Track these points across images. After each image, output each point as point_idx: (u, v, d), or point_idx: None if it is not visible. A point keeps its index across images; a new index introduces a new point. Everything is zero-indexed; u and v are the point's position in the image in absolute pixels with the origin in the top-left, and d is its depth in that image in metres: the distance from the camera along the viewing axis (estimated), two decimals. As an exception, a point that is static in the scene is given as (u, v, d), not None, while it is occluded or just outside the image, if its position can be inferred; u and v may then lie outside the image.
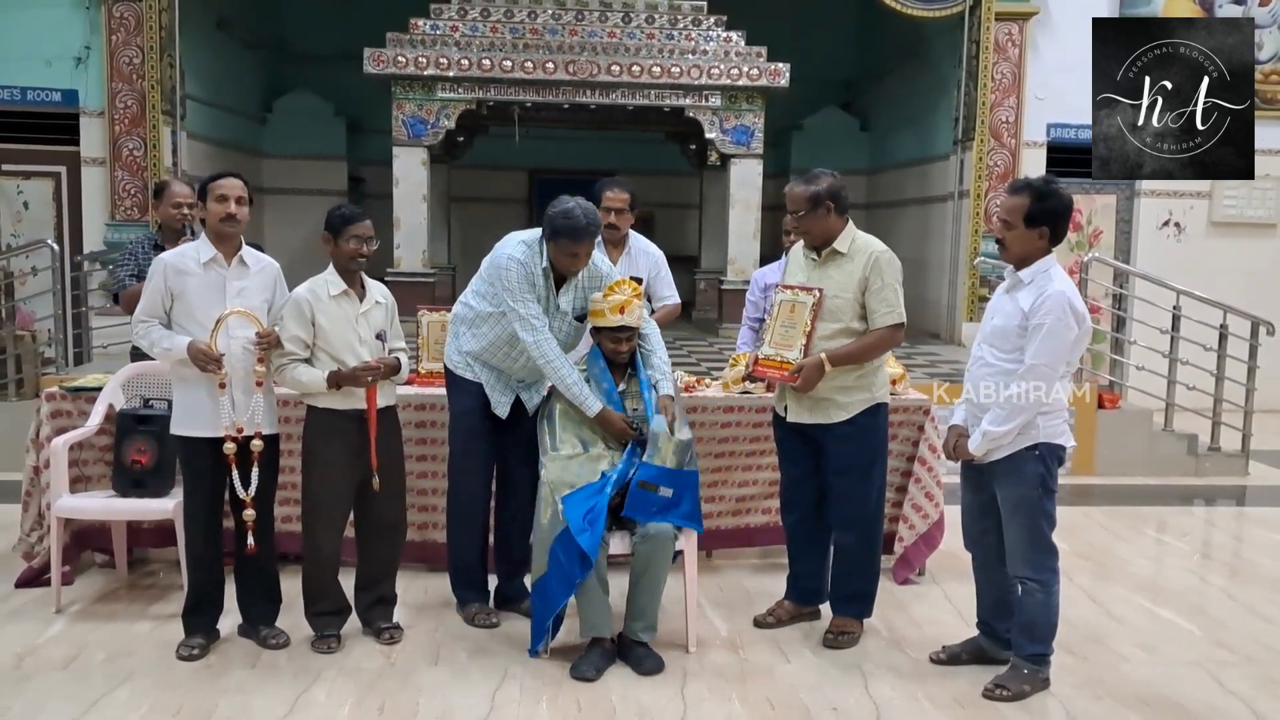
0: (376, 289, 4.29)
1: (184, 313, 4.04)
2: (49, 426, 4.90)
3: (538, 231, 4.32)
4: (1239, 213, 10.82)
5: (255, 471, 4.07)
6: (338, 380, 4.06)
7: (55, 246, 8.32)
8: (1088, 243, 10.65)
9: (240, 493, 4.06)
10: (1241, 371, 7.96)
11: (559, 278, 4.33)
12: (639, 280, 5.21)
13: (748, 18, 11.26)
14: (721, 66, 10.42)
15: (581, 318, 4.39)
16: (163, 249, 5.29)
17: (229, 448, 4.02)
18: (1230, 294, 8.35)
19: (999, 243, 3.95)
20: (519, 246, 4.28)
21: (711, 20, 10.72)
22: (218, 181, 4.09)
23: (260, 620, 4.28)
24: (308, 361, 4.12)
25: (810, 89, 12.80)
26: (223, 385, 3.99)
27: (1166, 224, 10.83)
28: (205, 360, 3.95)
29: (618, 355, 4.27)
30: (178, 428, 4.10)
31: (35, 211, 9.94)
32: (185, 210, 5.36)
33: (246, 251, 4.15)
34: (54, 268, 8.12)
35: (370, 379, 4.10)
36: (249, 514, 4.08)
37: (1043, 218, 3.80)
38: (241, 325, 4.02)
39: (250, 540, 4.10)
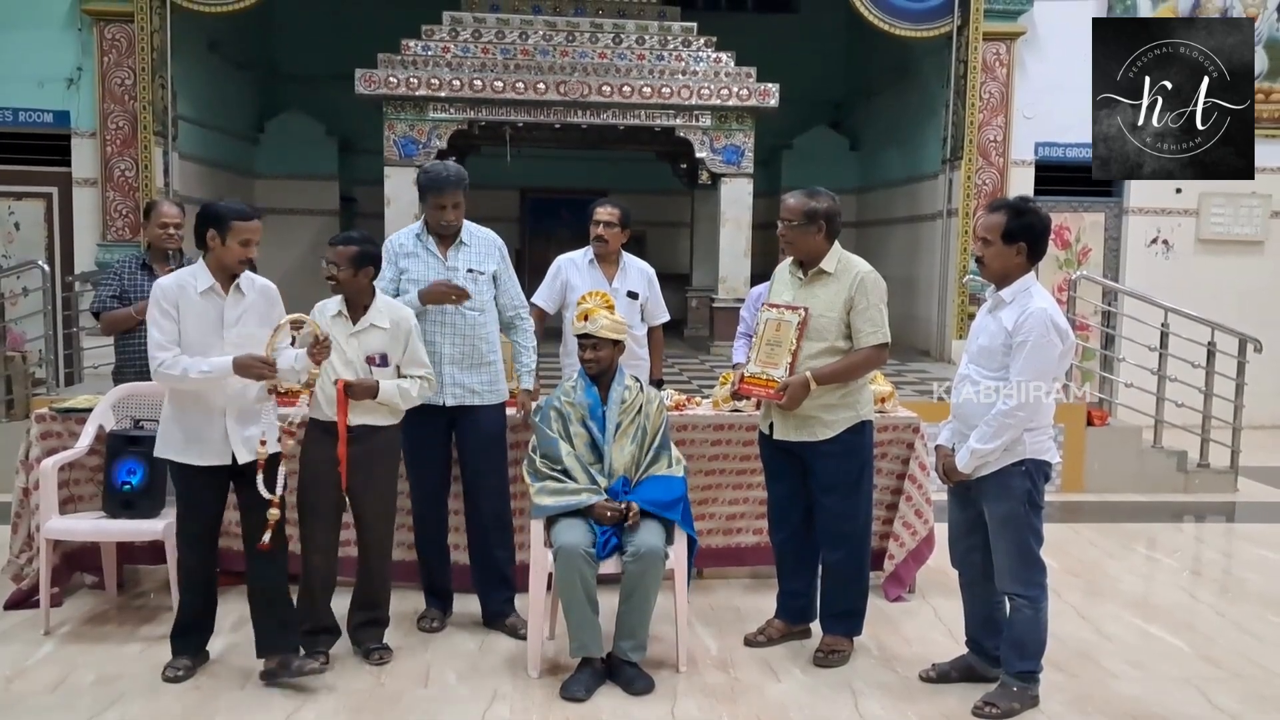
0: (383, 314, 4.25)
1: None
2: (39, 448, 4.90)
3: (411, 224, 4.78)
4: (1226, 230, 10.86)
5: (282, 470, 4.02)
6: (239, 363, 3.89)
7: (46, 267, 8.33)
8: (1076, 260, 10.69)
9: (266, 494, 3.95)
10: (1230, 388, 8.00)
11: (445, 240, 4.61)
12: (635, 295, 5.33)
13: (737, 39, 11.33)
14: (711, 87, 10.47)
15: (477, 270, 4.62)
16: (150, 269, 5.33)
17: (260, 452, 3.95)
18: (1218, 311, 8.39)
19: (979, 260, 3.99)
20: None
21: (701, 41, 10.77)
22: (245, 224, 3.92)
23: (284, 649, 4.07)
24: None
25: (800, 109, 12.86)
26: (273, 390, 3.96)
27: (1154, 241, 10.87)
28: (261, 368, 3.86)
29: (585, 364, 4.32)
30: (174, 454, 4.01)
31: (26, 232, 9.92)
32: (172, 231, 5.38)
33: (243, 276, 4.04)
34: (45, 288, 8.11)
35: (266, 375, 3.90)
36: (274, 513, 3.95)
37: (1020, 234, 3.85)
38: (245, 346, 3.94)
39: (266, 537, 3.95)
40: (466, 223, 4.68)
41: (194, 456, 3.98)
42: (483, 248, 4.69)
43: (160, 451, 4.06)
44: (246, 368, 3.86)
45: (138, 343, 5.27)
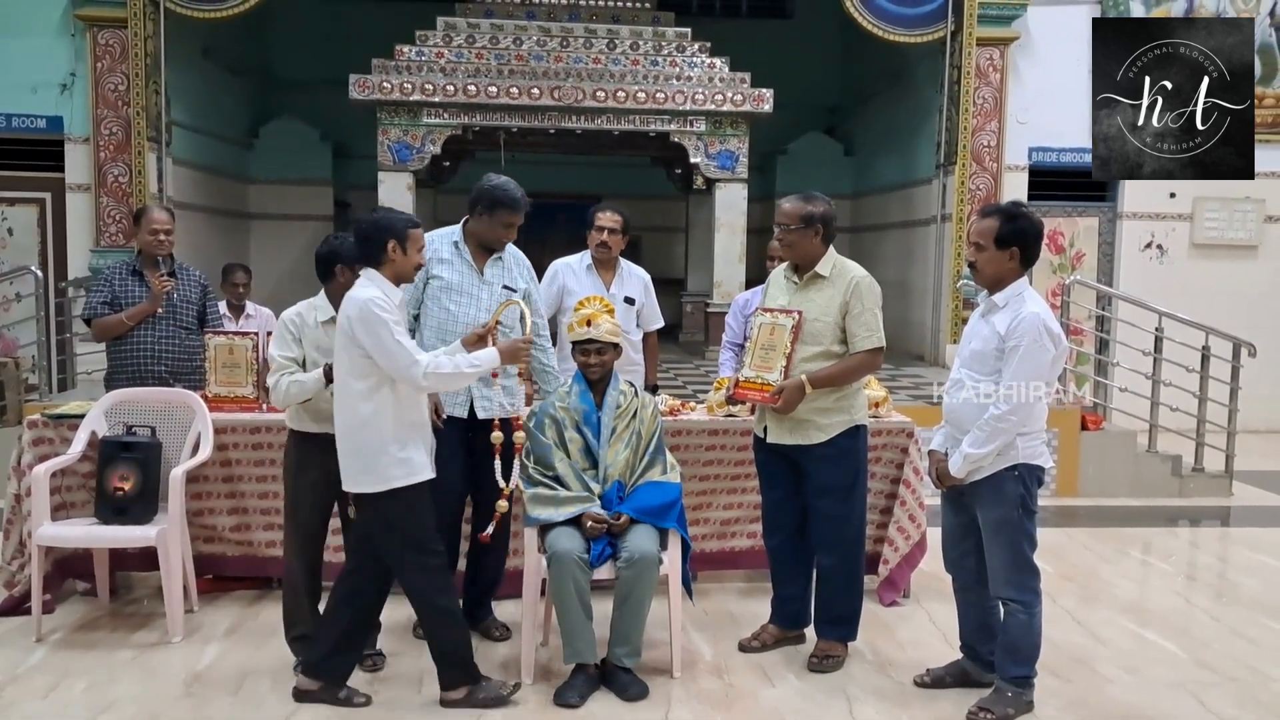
0: None
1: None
2: (31, 454, 4.88)
3: (444, 229, 4.64)
4: (1220, 235, 10.88)
5: (516, 462, 4.14)
6: (330, 372, 3.97)
7: (39, 273, 8.31)
8: (1070, 265, 10.71)
9: (503, 483, 4.12)
10: (1224, 392, 8.01)
11: (483, 252, 4.54)
12: (632, 301, 5.31)
13: (731, 44, 11.34)
14: (705, 92, 10.48)
15: (510, 288, 4.55)
16: (141, 275, 5.31)
17: (496, 436, 4.09)
18: (1212, 315, 8.39)
19: (971, 265, 3.99)
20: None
21: (695, 46, 10.78)
22: (418, 231, 3.93)
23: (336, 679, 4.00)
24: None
25: (794, 114, 12.86)
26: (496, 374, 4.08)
27: (1149, 246, 10.89)
28: (527, 349, 4.06)
29: (587, 369, 4.30)
30: (423, 474, 3.86)
31: (19, 238, 9.89)
32: (163, 237, 5.36)
33: None
34: (37, 294, 8.09)
35: None
36: (502, 504, 4.17)
37: (1012, 239, 3.86)
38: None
39: (490, 529, 4.26)
40: None
41: (430, 469, 3.91)
42: (514, 265, 4.62)
43: (415, 477, 3.81)
44: (516, 353, 3.99)
45: (129, 348, 5.26)
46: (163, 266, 5.38)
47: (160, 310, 5.29)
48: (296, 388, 4.04)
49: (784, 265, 4.50)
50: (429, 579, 3.88)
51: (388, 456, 3.76)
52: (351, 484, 3.82)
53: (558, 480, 4.21)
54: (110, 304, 5.28)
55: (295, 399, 4.08)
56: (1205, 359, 8.01)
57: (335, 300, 4.08)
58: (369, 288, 3.77)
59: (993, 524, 3.88)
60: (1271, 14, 10.63)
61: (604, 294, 5.18)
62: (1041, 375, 3.80)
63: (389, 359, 3.70)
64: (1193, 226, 10.87)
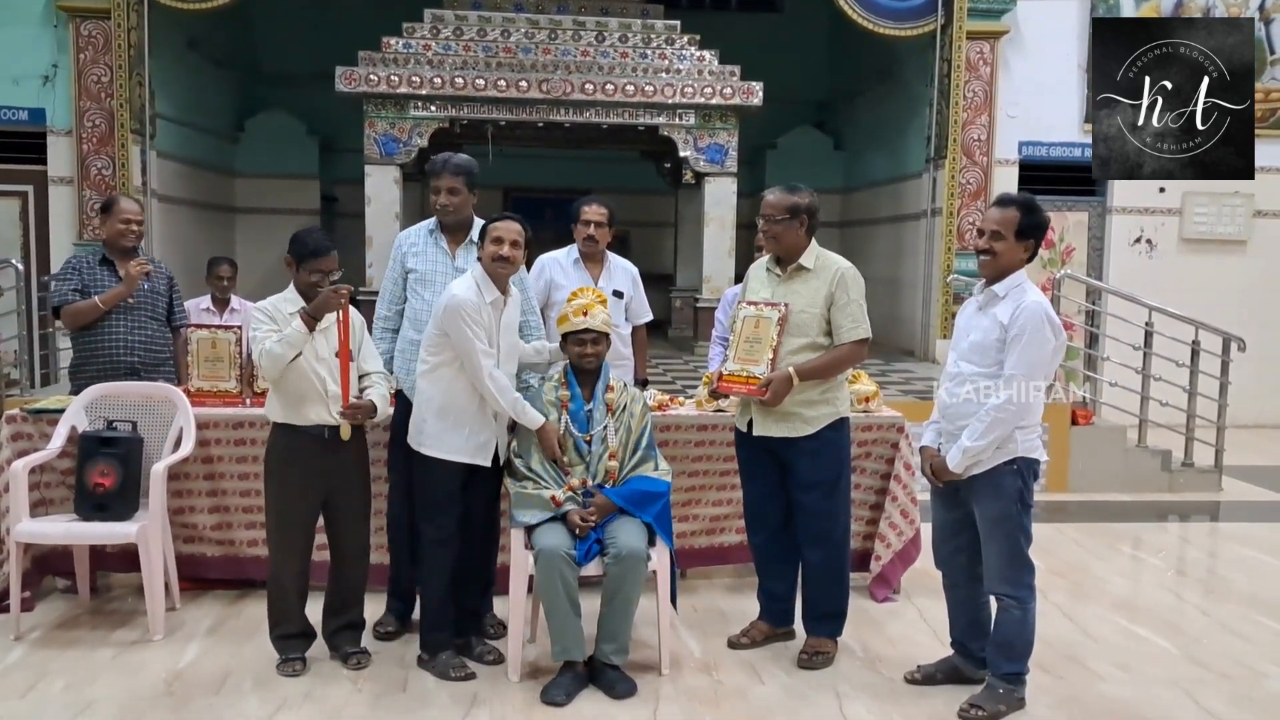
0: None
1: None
2: (9, 449, 4.79)
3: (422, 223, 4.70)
4: (1209, 230, 10.88)
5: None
6: (312, 311, 3.99)
7: (20, 266, 8.20)
8: (1060, 260, 10.69)
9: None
10: (1214, 387, 8.00)
11: (456, 238, 4.54)
12: (620, 294, 5.26)
13: (721, 38, 11.29)
14: (695, 85, 10.43)
15: None
16: (112, 264, 5.21)
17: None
18: (1202, 310, 8.37)
19: (988, 252, 3.88)
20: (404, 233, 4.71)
21: (685, 39, 10.73)
22: (496, 224, 4.13)
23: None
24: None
25: (784, 109, 12.83)
26: None
27: (1138, 241, 10.89)
28: (553, 442, 4.24)
29: (584, 360, 4.24)
30: (460, 456, 4.16)
31: (1, 231, 9.79)
32: (134, 227, 5.27)
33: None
34: (18, 288, 7.99)
35: (338, 301, 4.03)
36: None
37: (1030, 231, 3.86)
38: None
39: None
40: (477, 220, 4.52)
41: (462, 455, 4.16)
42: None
43: (439, 453, 4.14)
44: (549, 443, 4.26)
45: (99, 338, 5.14)
46: (141, 256, 5.28)
47: (132, 300, 5.19)
48: (283, 345, 3.96)
49: (765, 257, 4.46)
50: (428, 547, 4.19)
51: (427, 425, 4.14)
52: (409, 439, 4.23)
53: (539, 477, 4.16)
54: (80, 292, 5.15)
55: (285, 357, 3.97)
56: (1195, 354, 7.99)
57: (301, 290, 4.12)
58: (466, 283, 4.09)
59: (991, 519, 3.84)
60: (1261, 8, 10.63)
61: (593, 288, 5.16)
62: (1042, 366, 3.77)
63: (464, 352, 4.04)
64: (1182, 221, 10.87)
